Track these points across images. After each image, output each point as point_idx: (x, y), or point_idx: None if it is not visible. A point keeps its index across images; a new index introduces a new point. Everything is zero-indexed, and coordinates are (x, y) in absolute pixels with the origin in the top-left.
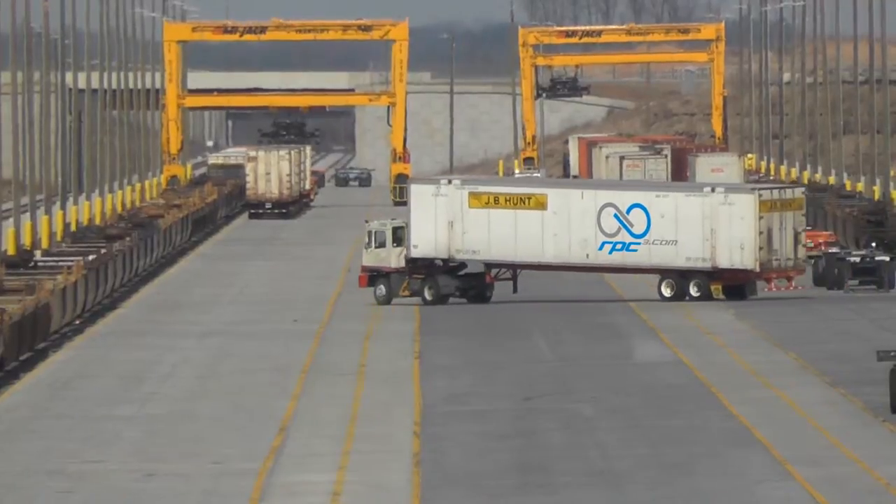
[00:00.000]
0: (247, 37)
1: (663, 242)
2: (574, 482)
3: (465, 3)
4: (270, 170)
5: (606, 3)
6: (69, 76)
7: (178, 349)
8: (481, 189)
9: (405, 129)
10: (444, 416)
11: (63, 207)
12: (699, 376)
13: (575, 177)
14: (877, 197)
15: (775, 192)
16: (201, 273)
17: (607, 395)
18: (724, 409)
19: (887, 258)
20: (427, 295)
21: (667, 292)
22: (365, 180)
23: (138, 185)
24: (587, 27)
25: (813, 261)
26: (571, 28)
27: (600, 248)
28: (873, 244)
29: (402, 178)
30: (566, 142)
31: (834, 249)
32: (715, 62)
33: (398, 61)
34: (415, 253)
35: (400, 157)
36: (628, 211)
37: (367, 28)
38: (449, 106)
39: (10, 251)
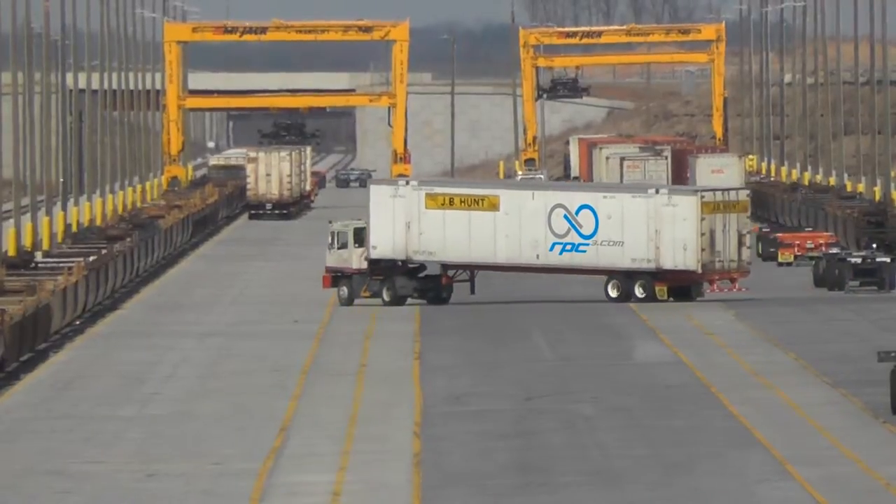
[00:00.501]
0: (247, 37)
1: (610, 243)
2: (574, 482)
3: (465, 3)
4: (271, 171)
5: (607, 4)
6: (70, 77)
7: (178, 349)
8: (437, 190)
9: (406, 130)
10: (445, 417)
11: (64, 208)
12: (699, 376)
13: (576, 178)
14: (877, 198)
15: (718, 194)
16: (202, 274)
17: (607, 395)
18: (725, 410)
19: (888, 259)
20: (385, 296)
21: (613, 293)
22: (365, 181)
23: (139, 186)
24: (587, 28)
25: (814, 262)
26: (572, 29)
27: (551, 249)
28: (874, 245)
29: None
30: (567, 143)
31: (834, 250)
32: (715, 63)
33: (399, 62)
34: (374, 254)
35: (401, 158)
36: (577, 212)
37: (367, 29)
38: (450, 107)
39: (11, 252)
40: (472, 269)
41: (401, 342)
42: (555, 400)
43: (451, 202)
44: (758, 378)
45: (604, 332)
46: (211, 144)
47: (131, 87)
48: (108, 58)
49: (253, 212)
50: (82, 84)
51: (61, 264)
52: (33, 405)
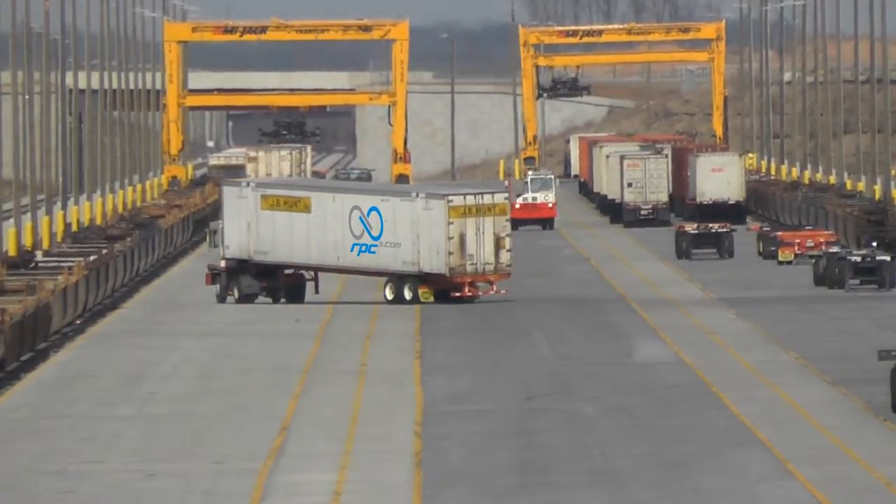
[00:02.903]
0: (247, 37)
1: (391, 245)
2: (575, 482)
3: (465, 2)
4: (271, 170)
5: (607, 3)
6: (69, 76)
7: (178, 349)
8: (269, 192)
9: (406, 130)
10: (445, 416)
11: (64, 208)
12: (700, 376)
13: (576, 176)
14: (877, 196)
15: (470, 198)
16: (202, 273)
17: (608, 394)
18: (725, 409)
19: (888, 258)
20: (235, 293)
21: (389, 295)
22: (366, 180)
23: (139, 186)
24: (588, 27)
25: (814, 260)
26: (572, 28)
27: (351, 250)
28: (874, 244)
29: (403, 179)
30: (567, 141)
31: (835, 249)
32: (715, 61)
33: (399, 61)
34: (227, 253)
35: (401, 158)
36: (368, 214)
37: (367, 28)
38: (450, 106)
39: (11, 252)
40: (296, 269)
41: (401, 341)
42: (555, 399)
43: (279, 203)
44: (758, 377)
45: (604, 330)
46: (211, 144)
47: (131, 86)
48: (108, 57)
49: None
50: (82, 84)
51: (61, 264)
52: (33, 405)
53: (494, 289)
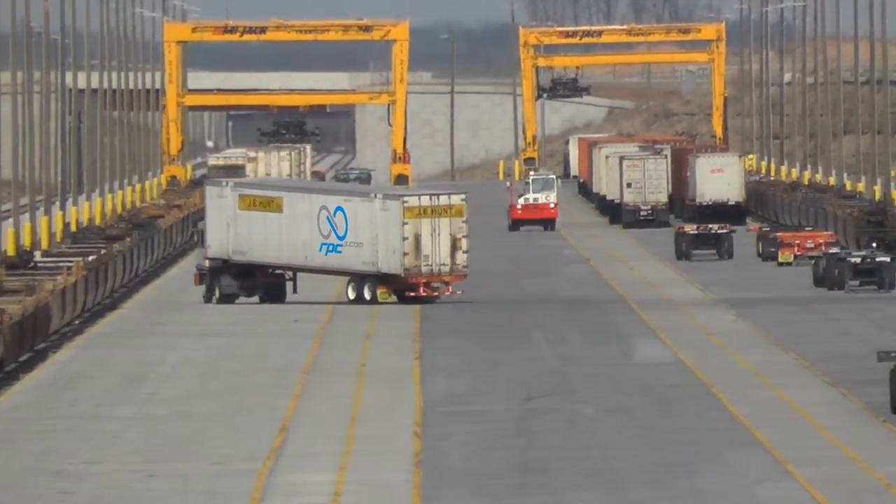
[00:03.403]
0: (247, 37)
1: (354, 245)
2: (574, 482)
3: (465, 2)
4: (271, 170)
5: (607, 4)
6: (69, 76)
7: (178, 349)
8: (245, 192)
9: (405, 130)
10: (445, 416)
11: (63, 208)
12: (699, 376)
13: (575, 177)
14: (877, 197)
15: (426, 198)
16: None
17: (608, 395)
18: (725, 409)
19: (888, 259)
20: (217, 293)
21: (351, 294)
22: (365, 180)
23: (138, 186)
24: (588, 27)
25: (814, 261)
26: (572, 28)
27: (320, 250)
28: (874, 244)
29: (402, 179)
30: (567, 142)
31: (834, 250)
32: (715, 62)
33: (399, 62)
34: (210, 253)
35: (400, 158)
36: (335, 214)
37: (367, 28)
38: (450, 106)
39: (10, 252)
40: (270, 268)
41: (401, 342)
42: (555, 400)
43: (255, 204)
44: (758, 378)
45: (604, 331)
46: (210, 144)
47: (131, 86)
48: (107, 57)
49: None
50: (82, 84)
51: (60, 264)
52: (33, 405)
53: (450, 289)
